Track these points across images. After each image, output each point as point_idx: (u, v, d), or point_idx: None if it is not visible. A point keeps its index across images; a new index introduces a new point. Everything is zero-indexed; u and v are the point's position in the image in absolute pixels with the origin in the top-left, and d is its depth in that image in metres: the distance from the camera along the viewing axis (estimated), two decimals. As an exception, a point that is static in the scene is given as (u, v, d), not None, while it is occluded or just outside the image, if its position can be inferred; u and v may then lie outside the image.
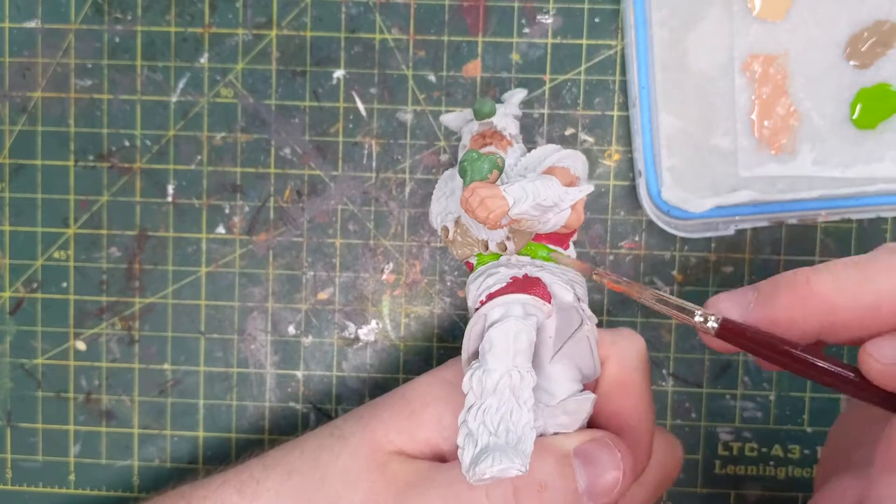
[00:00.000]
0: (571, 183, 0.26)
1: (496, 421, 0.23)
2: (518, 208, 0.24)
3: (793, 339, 0.23)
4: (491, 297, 0.25)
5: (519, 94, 0.31)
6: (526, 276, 0.26)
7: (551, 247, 0.28)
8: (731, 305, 0.24)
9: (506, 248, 0.27)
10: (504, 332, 0.24)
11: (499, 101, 0.31)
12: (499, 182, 0.26)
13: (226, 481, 0.29)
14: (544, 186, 0.25)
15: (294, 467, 0.29)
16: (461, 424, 0.24)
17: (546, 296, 0.25)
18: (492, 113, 0.29)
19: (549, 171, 0.26)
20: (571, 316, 0.26)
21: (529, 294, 0.25)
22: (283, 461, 0.29)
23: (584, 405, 0.26)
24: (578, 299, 0.26)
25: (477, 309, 0.26)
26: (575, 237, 0.29)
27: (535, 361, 0.26)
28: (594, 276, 0.26)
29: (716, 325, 0.23)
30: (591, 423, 0.27)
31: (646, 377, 0.28)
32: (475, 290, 0.26)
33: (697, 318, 0.24)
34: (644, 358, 0.28)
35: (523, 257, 0.27)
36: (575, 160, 0.27)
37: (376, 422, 0.28)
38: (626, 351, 0.28)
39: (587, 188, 0.26)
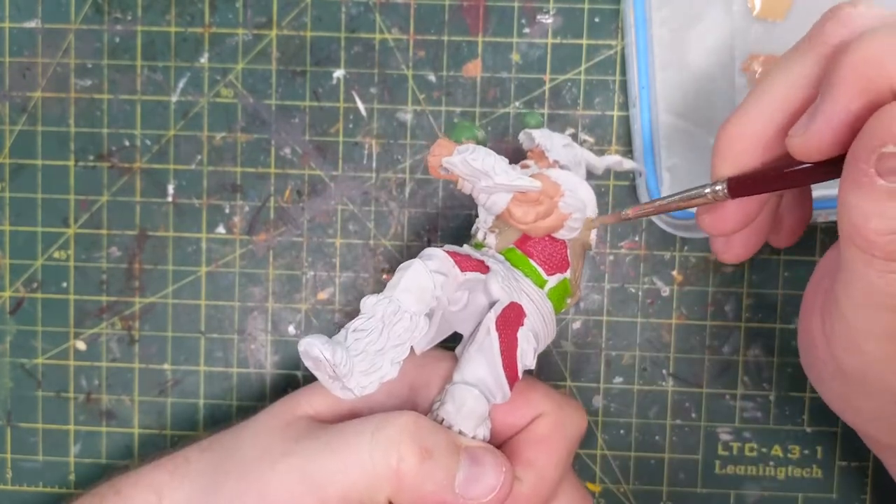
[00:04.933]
0: (551, 191, 0.27)
1: (356, 328, 0.24)
2: (451, 157, 0.26)
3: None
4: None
5: (557, 138, 0.31)
6: (478, 259, 0.28)
7: (533, 264, 0.28)
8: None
9: (485, 239, 0.29)
10: (405, 268, 0.26)
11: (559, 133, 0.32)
12: None
13: (159, 465, 0.30)
14: (487, 154, 0.26)
15: (223, 443, 0.29)
16: None
17: (464, 265, 0.26)
18: (538, 125, 0.30)
19: (533, 175, 0.28)
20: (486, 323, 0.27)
21: (449, 254, 0.26)
22: (218, 441, 0.30)
23: (467, 399, 0.27)
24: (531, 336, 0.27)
25: None
26: (567, 275, 0.29)
27: (465, 338, 0.28)
28: (624, 218, 0.28)
29: (724, 187, 0.25)
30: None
31: (570, 452, 0.28)
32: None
33: (711, 190, 0.25)
34: (579, 437, 0.29)
35: (500, 256, 0.29)
36: (571, 185, 0.28)
37: (300, 392, 0.30)
38: (566, 420, 0.28)
39: (530, 183, 0.27)
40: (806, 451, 0.36)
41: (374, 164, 0.36)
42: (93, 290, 0.37)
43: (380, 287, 0.36)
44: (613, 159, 0.30)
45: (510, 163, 0.28)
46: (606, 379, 0.36)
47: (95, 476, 0.37)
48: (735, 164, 0.25)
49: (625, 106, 0.35)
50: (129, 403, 0.37)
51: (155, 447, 0.37)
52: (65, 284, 0.37)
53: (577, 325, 0.36)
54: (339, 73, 0.36)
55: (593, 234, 0.29)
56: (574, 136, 0.35)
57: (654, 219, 0.34)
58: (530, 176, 0.27)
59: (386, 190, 0.36)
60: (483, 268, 0.27)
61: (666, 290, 0.36)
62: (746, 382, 0.36)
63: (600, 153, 0.35)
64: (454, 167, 0.26)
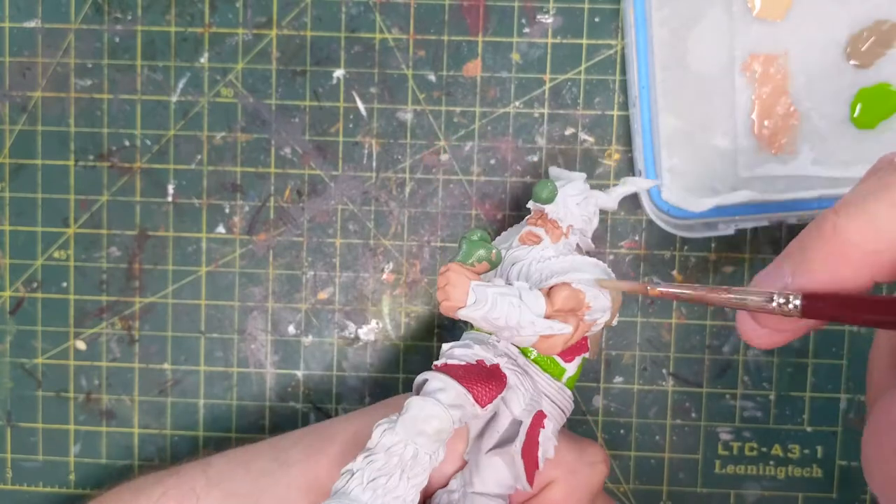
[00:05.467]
0: (576, 306, 0.25)
1: (372, 476, 0.23)
2: (468, 311, 0.24)
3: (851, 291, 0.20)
4: (445, 367, 0.25)
5: (573, 185, 0.29)
6: (492, 367, 0.26)
7: (556, 358, 0.27)
8: (772, 284, 0.21)
9: None
10: (420, 408, 0.23)
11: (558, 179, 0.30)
12: (493, 274, 0.26)
13: (165, 493, 0.29)
14: (510, 306, 0.24)
15: (235, 488, 0.28)
16: (354, 459, 0.24)
17: (483, 397, 0.24)
18: (549, 199, 0.28)
19: (554, 288, 0.25)
20: (511, 428, 0.26)
21: (465, 387, 0.24)
22: (227, 479, 0.29)
23: None
24: (542, 426, 0.26)
25: (435, 367, 0.26)
26: (587, 355, 0.28)
27: (475, 443, 0.26)
28: (649, 293, 0.24)
29: (798, 303, 0.20)
30: None
31: None
32: (447, 349, 0.26)
33: (777, 301, 0.21)
34: (596, 492, 0.28)
35: (513, 347, 0.27)
36: (594, 294, 0.26)
37: (321, 455, 0.28)
38: (578, 483, 0.27)
39: (560, 329, 0.24)
40: (806, 451, 0.36)
41: (374, 164, 0.36)
42: (93, 290, 0.37)
43: (379, 287, 0.36)
44: (625, 190, 0.29)
45: (517, 218, 0.26)
46: (606, 379, 0.36)
47: (95, 476, 0.37)
48: (831, 276, 0.20)
49: (625, 106, 0.35)
50: (129, 403, 0.37)
51: (155, 447, 0.37)
52: (65, 284, 0.37)
53: (577, 324, 0.36)
54: (339, 73, 0.36)
55: (616, 316, 0.28)
56: (574, 136, 0.35)
57: (654, 218, 0.34)
58: (548, 287, 0.25)
59: (386, 190, 0.36)
60: (500, 383, 0.25)
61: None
62: (746, 382, 0.36)
63: (601, 153, 0.35)
64: (474, 322, 0.24)
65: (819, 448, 0.36)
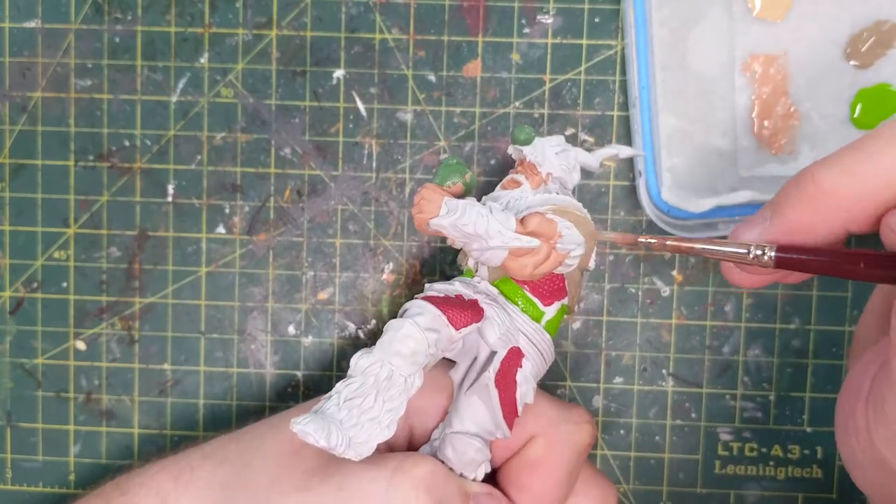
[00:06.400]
0: (548, 234, 0.26)
1: (349, 396, 0.24)
2: (440, 220, 0.25)
3: (823, 243, 0.22)
4: (425, 298, 0.26)
5: (552, 137, 0.30)
6: (471, 300, 0.26)
7: (529, 295, 0.27)
8: (752, 230, 0.23)
9: (477, 271, 0.28)
10: (396, 329, 0.24)
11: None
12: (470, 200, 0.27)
13: (163, 468, 0.29)
14: (479, 216, 0.25)
15: (227, 456, 0.29)
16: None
17: (458, 320, 0.25)
18: (527, 141, 0.28)
19: (527, 216, 0.26)
20: (488, 363, 0.26)
21: (440, 309, 0.25)
22: (220, 451, 0.29)
23: (468, 451, 0.26)
24: (517, 360, 0.26)
25: (416, 298, 0.27)
26: (566, 302, 0.28)
27: (457, 392, 0.27)
28: (640, 244, 0.25)
29: (772, 255, 0.22)
30: (500, 486, 0.28)
31: (571, 470, 0.28)
32: (429, 285, 0.27)
33: (754, 253, 0.22)
34: (581, 452, 0.28)
35: (493, 288, 0.27)
36: (566, 224, 0.26)
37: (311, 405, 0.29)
38: (561, 439, 0.27)
39: (528, 242, 0.25)
40: (806, 451, 0.36)
41: (374, 164, 0.36)
42: (93, 290, 0.37)
43: (379, 287, 0.36)
44: (609, 151, 0.29)
45: (503, 170, 0.27)
46: (606, 379, 0.36)
47: (95, 476, 0.37)
48: (805, 222, 0.21)
49: (625, 106, 0.35)
50: (129, 403, 0.37)
51: (155, 447, 0.37)
52: (65, 284, 0.37)
53: (577, 325, 0.36)
54: (339, 73, 0.36)
55: (592, 258, 0.28)
56: (574, 136, 0.35)
57: (654, 219, 0.34)
58: (521, 217, 0.26)
59: (386, 190, 0.36)
60: (477, 313, 0.26)
61: (666, 290, 0.36)
62: (746, 382, 0.36)
63: (600, 153, 0.35)
64: (444, 230, 0.25)
65: (819, 448, 0.36)
